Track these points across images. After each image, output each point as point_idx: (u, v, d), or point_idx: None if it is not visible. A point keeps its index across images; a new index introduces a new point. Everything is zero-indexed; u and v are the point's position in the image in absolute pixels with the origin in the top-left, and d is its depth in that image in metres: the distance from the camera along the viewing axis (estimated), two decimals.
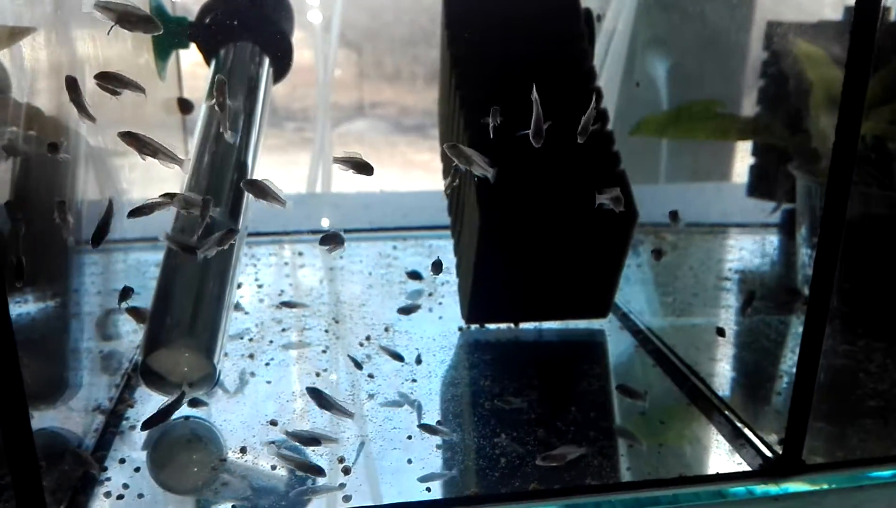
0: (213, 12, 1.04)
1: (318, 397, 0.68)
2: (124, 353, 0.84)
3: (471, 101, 0.87)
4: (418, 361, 0.84)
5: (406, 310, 0.95)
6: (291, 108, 1.73)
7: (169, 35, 1.04)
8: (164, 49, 1.04)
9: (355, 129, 1.93)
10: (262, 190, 0.72)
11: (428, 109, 1.94)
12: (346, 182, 1.64)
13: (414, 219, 1.40)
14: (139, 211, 0.71)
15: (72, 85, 0.65)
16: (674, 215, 0.91)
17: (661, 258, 0.88)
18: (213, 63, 1.03)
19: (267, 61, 1.05)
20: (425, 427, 0.71)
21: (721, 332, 0.87)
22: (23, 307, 0.70)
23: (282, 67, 1.08)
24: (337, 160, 0.71)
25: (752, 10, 1.19)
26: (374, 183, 1.65)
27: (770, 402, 0.80)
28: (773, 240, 1.22)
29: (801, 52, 0.99)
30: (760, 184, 1.22)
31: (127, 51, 0.98)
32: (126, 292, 0.77)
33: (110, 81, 0.65)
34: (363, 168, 0.71)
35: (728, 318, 0.97)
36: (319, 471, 0.64)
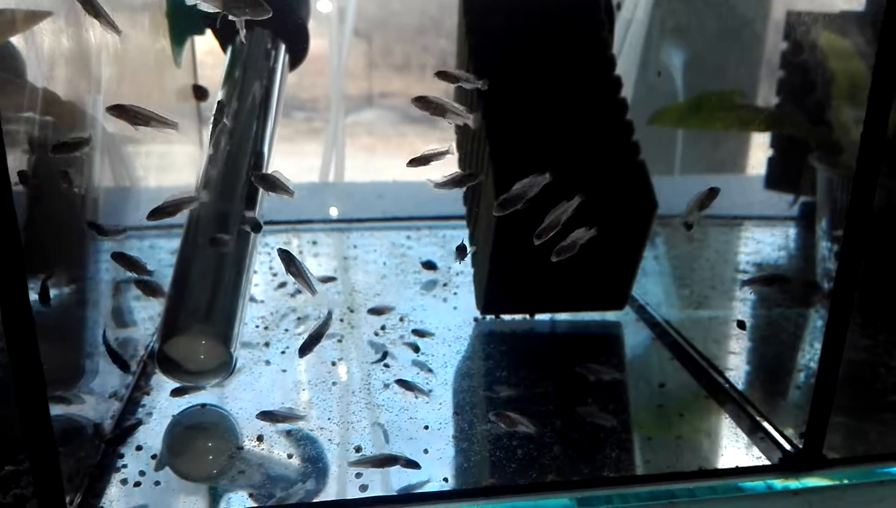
0: None
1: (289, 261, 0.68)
2: (140, 340, 0.84)
3: (488, 92, 0.86)
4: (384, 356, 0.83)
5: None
6: (300, 97, 1.72)
7: (185, 21, 1.03)
8: (180, 35, 1.03)
9: (364, 119, 1.92)
10: (271, 183, 0.72)
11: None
12: (359, 172, 1.64)
13: (428, 209, 1.39)
14: (160, 212, 0.71)
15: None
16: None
17: (744, 328, 0.87)
18: (228, 50, 1.03)
19: (283, 48, 1.04)
20: (401, 382, 0.73)
21: (742, 325, 0.86)
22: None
23: (298, 53, 1.07)
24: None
25: (770, 0, 1.18)
26: (387, 173, 1.65)
27: (789, 396, 0.79)
28: (791, 233, 1.21)
29: (823, 42, 0.98)
30: (779, 176, 1.21)
31: (144, 36, 0.98)
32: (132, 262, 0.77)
33: (129, 115, 0.64)
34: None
35: (746, 311, 0.96)
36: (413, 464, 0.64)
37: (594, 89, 0.89)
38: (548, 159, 0.83)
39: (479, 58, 0.89)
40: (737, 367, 0.82)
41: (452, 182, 0.72)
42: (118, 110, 0.65)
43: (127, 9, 0.90)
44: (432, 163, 0.71)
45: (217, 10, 0.61)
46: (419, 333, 0.86)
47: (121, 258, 0.74)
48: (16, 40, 0.73)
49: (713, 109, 1.05)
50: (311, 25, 1.42)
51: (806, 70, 1.06)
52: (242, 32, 0.66)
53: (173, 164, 1.09)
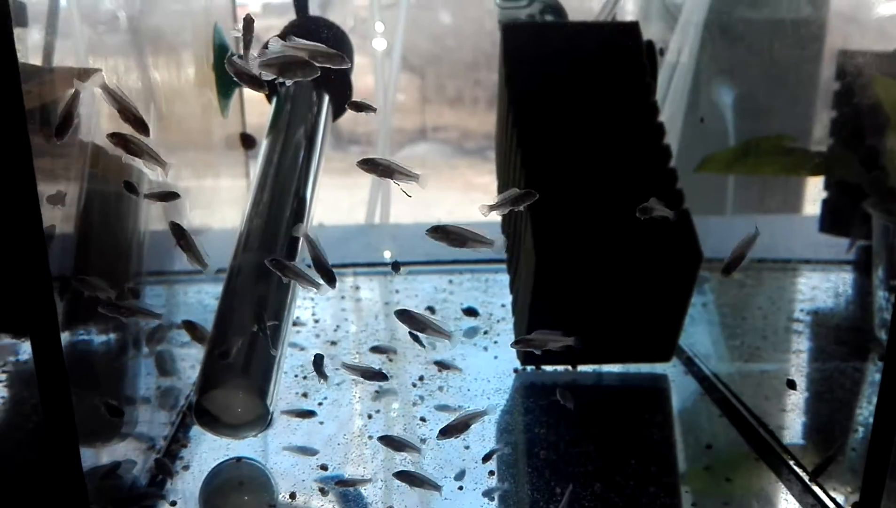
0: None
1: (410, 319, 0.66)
2: (182, 390, 0.85)
3: (528, 141, 0.86)
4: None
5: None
6: (356, 132, 1.74)
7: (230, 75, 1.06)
8: (226, 87, 1.06)
9: (418, 152, 1.94)
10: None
11: (489, 132, 1.94)
12: (405, 213, 1.65)
13: (471, 252, 1.38)
14: None
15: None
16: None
17: (794, 387, 0.84)
18: (274, 100, 1.05)
19: (326, 98, 1.06)
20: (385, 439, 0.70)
21: (792, 384, 0.83)
22: (82, 341, 0.72)
23: (341, 104, 1.09)
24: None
25: (823, 40, 1.15)
26: (432, 213, 1.66)
27: (843, 458, 0.75)
28: (848, 278, 1.17)
29: (876, 84, 0.94)
30: (834, 220, 1.17)
31: (190, 87, 1.01)
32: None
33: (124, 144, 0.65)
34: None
35: (800, 364, 0.92)
36: None
37: (637, 137, 0.87)
38: (590, 210, 0.82)
39: (518, 107, 0.89)
40: (788, 426, 0.79)
41: (505, 203, 0.69)
42: (116, 138, 0.65)
43: (174, 63, 0.93)
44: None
45: (274, 77, 0.62)
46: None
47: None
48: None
49: (762, 155, 1.02)
50: (366, 62, 1.44)
51: (859, 112, 1.02)
52: (287, 84, 0.67)
53: (219, 205, 1.11)
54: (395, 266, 0.82)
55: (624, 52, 0.93)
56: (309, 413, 0.79)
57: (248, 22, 0.63)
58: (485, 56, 1.79)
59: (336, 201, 1.50)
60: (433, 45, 1.84)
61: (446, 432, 0.66)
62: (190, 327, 0.81)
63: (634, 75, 0.91)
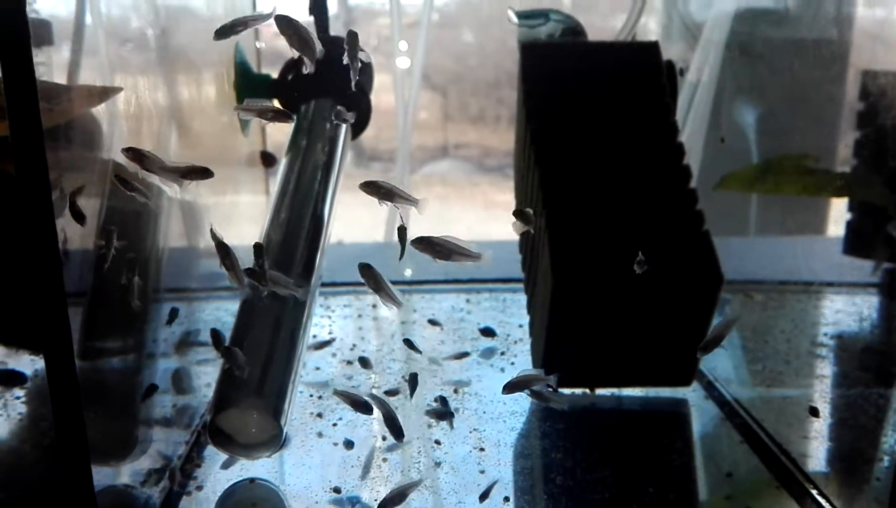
0: (294, 70, 1.07)
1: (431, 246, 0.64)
2: (197, 408, 0.84)
3: (546, 160, 0.86)
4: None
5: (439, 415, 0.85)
6: (378, 149, 1.75)
7: (252, 92, 1.07)
8: None
9: (439, 169, 1.94)
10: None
11: (510, 150, 1.95)
12: (433, 221, 1.64)
13: (489, 271, 1.38)
14: None
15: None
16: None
17: (817, 415, 0.82)
18: (294, 119, 1.05)
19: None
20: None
21: (814, 412, 0.81)
22: (99, 358, 0.72)
23: (360, 123, 1.09)
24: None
25: (847, 59, 1.13)
26: (453, 230, 1.65)
27: (868, 488, 0.73)
28: (872, 302, 1.14)
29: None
30: (858, 241, 1.15)
31: (211, 107, 1.02)
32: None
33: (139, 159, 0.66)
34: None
35: (823, 390, 0.90)
36: None
37: (656, 158, 0.87)
38: (608, 231, 0.81)
39: (536, 126, 0.89)
40: (811, 454, 0.77)
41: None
42: (131, 153, 0.65)
43: (195, 82, 0.94)
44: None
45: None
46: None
47: None
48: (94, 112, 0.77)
49: (784, 174, 1.01)
50: (390, 81, 1.44)
51: (883, 133, 1.01)
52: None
53: (237, 222, 1.11)
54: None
55: (643, 71, 0.92)
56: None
57: (353, 37, 0.67)
58: (507, 74, 1.79)
59: (358, 217, 1.50)
60: (456, 63, 1.85)
61: (384, 505, 0.66)
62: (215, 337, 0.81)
63: (654, 95, 0.91)
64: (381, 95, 1.41)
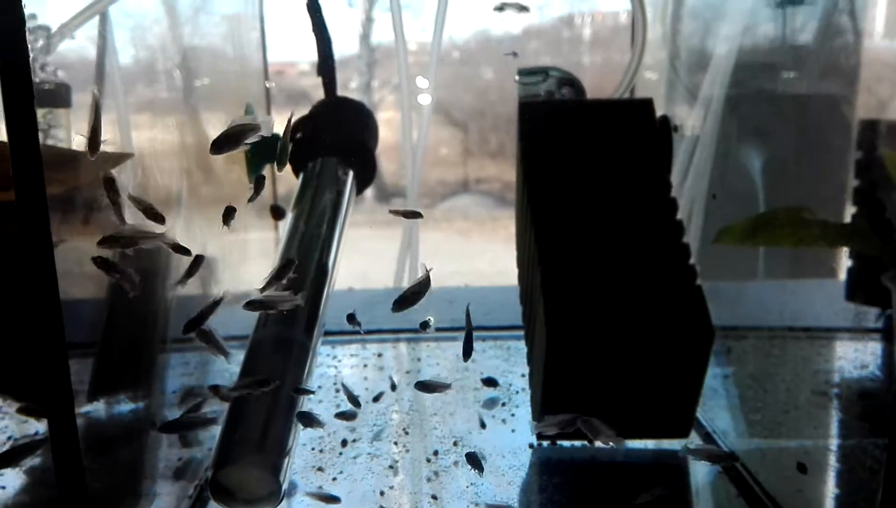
0: (302, 130, 1.11)
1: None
2: (202, 461, 0.86)
3: (541, 217, 0.88)
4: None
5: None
6: (400, 184, 1.79)
7: (260, 151, 1.11)
8: (255, 165, 1.10)
9: (460, 204, 1.97)
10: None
11: None
12: (454, 255, 1.66)
13: (497, 317, 1.40)
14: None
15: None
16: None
17: (805, 472, 0.83)
18: (300, 175, 1.09)
19: (351, 174, 1.10)
20: None
21: (802, 469, 0.81)
22: (102, 412, 0.74)
23: (365, 178, 1.13)
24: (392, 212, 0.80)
25: (851, 108, 1.15)
26: (481, 257, 1.66)
27: None
28: (875, 348, 1.14)
29: (886, 158, 0.95)
30: (859, 288, 1.16)
31: (220, 167, 1.05)
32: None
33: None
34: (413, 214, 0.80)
35: (823, 443, 0.90)
36: None
37: (649, 213, 0.89)
38: (602, 287, 0.83)
39: (533, 184, 0.91)
40: None
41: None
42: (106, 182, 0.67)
43: (204, 149, 0.97)
44: None
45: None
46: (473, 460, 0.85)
47: None
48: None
49: (779, 226, 1.02)
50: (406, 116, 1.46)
51: (876, 185, 1.02)
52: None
53: (248, 275, 1.14)
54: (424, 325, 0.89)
55: (637, 129, 0.95)
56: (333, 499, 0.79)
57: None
58: None
59: (379, 250, 1.52)
60: (476, 99, 1.88)
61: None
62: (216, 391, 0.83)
63: (647, 152, 0.93)
64: (396, 131, 1.43)
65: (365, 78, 1.85)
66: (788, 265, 1.21)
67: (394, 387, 1.04)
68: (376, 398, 1.02)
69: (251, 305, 0.76)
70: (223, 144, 0.69)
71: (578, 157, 0.93)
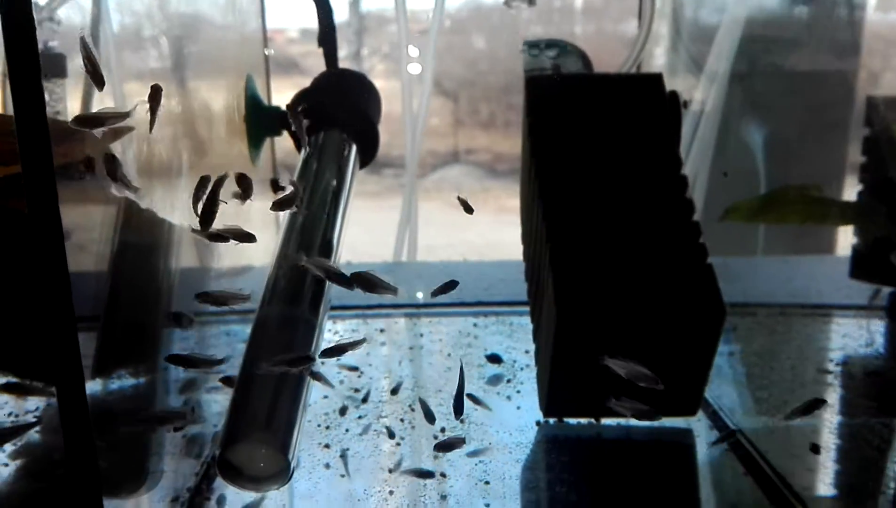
0: (304, 103, 1.09)
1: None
2: (207, 438, 0.86)
3: (550, 193, 0.87)
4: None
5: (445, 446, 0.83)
6: (390, 155, 1.77)
7: (262, 124, 1.09)
8: (257, 137, 1.08)
9: (450, 174, 1.95)
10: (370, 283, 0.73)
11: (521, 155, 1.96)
12: (444, 226, 1.65)
13: (497, 292, 1.39)
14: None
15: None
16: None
17: (818, 452, 0.82)
18: (303, 150, 1.07)
19: (354, 147, 1.08)
20: None
21: (816, 449, 0.81)
22: (109, 390, 0.73)
23: (368, 152, 1.11)
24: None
25: (853, 86, 1.14)
26: (471, 229, 1.65)
27: None
28: (879, 326, 1.14)
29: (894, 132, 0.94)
30: (864, 265, 1.15)
31: (220, 138, 1.03)
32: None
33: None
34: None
35: (829, 419, 0.90)
36: None
37: (660, 191, 0.87)
38: (612, 264, 0.82)
39: (541, 159, 0.90)
40: (813, 487, 0.77)
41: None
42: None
43: (206, 121, 0.95)
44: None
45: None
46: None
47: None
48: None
49: (789, 204, 1.02)
50: (399, 86, 1.44)
51: (885, 161, 1.01)
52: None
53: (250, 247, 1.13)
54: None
55: (647, 104, 0.93)
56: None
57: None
58: (518, 80, 1.80)
59: (370, 223, 1.51)
60: (466, 69, 1.86)
61: None
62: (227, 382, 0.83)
63: (657, 128, 0.92)
64: (394, 102, 1.42)
65: (354, 46, 1.82)
66: (789, 241, 1.21)
67: (395, 391, 1.02)
68: (394, 391, 1.00)
69: (201, 297, 0.75)
70: (84, 121, 0.66)
71: (588, 132, 0.91)
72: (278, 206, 0.83)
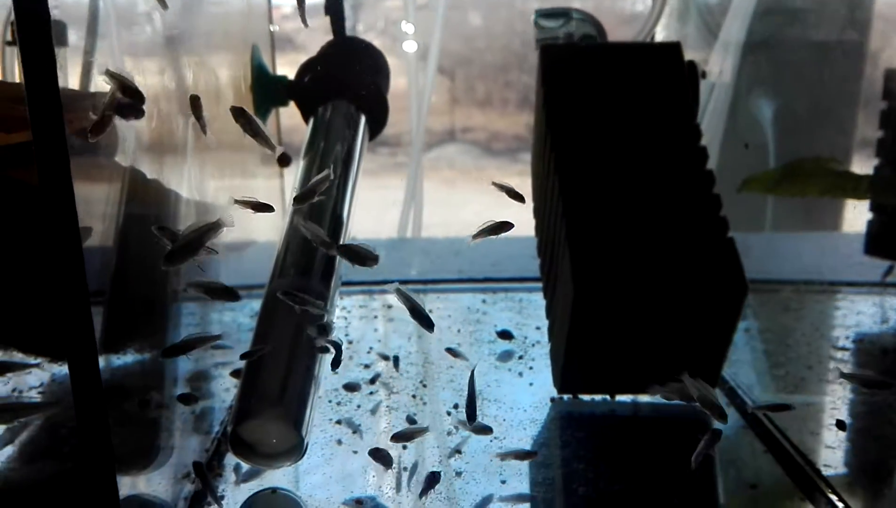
0: (311, 72, 1.06)
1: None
2: (217, 413, 0.84)
3: (566, 166, 0.85)
4: None
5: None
6: (385, 133, 1.75)
7: (268, 94, 1.06)
8: (264, 107, 1.06)
9: (446, 153, 1.93)
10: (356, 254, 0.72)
11: (518, 134, 1.94)
12: (440, 205, 1.64)
13: (504, 268, 1.37)
14: None
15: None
16: None
17: (844, 428, 0.81)
18: (311, 120, 1.05)
19: (363, 118, 1.05)
20: None
21: (842, 425, 0.80)
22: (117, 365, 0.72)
23: (377, 123, 1.09)
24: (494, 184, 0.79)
25: (864, 58, 1.12)
26: (467, 207, 1.64)
27: (894, 501, 0.72)
28: (894, 302, 1.13)
29: None
30: (879, 242, 1.13)
31: (226, 109, 1.01)
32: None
33: None
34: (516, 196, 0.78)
35: (846, 397, 0.89)
36: None
37: (679, 163, 0.85)
38: (630, 239, 0.80)
39: (557, 131, 0.87)
40: (835, 464, 0.76)
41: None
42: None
43: (213, 89, 0.93)
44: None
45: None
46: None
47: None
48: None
49: (807, 176, 1.00)
50: (396, 64, 1.43)
51: None
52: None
53: (256, 223, 1.11)
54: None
55: (665, 74, 0.91)
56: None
57: None
58: (515, 57, 1.78)
59: (367, 201, 1.50)
60: (463, 46, 1.83)
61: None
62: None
63: (676, 98, 0.89)
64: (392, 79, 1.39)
65: (350, 22, 1.79)
66: (797, 217, 1.19)
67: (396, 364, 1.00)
68: (395, 362, 0.99)
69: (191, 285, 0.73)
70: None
71: (604, 103, 0.89)
72: (301, 199, 0.80)
